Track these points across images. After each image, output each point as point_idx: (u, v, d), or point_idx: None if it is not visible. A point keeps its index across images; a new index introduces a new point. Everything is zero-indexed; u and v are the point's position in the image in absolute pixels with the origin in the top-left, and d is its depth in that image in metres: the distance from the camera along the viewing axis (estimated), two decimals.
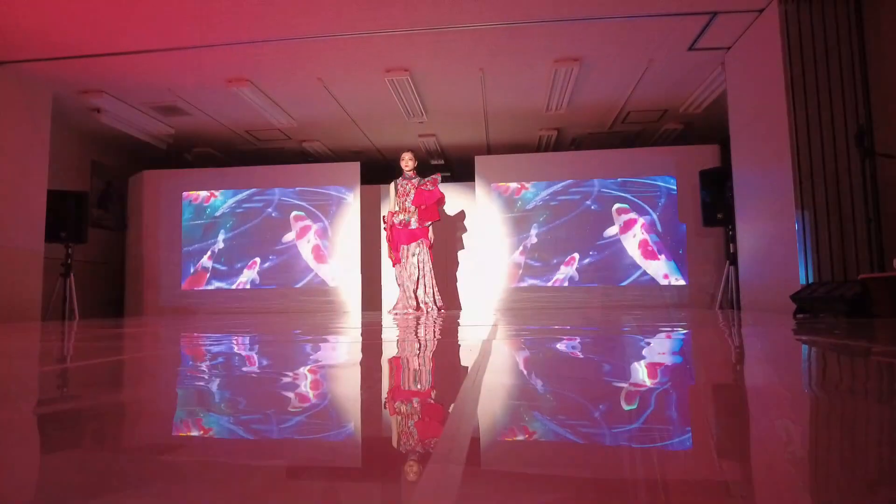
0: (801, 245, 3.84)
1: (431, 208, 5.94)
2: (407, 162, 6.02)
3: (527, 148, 7.81)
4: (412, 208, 5.92)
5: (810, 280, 3.77)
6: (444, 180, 8.89)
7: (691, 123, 6.93)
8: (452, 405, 0.78)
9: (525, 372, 1.19)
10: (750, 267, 4.69)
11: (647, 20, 4.46)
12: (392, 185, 6.11)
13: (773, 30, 4.10)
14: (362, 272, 7.02)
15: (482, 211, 6.87)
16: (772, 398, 0.81)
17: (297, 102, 6.18)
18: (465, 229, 7.52)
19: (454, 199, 7.48)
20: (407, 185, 6.00)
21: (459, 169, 8.75)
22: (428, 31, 4.63)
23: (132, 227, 7.22)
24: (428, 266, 5.91)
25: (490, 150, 7.95)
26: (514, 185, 6.86)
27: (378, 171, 8.24)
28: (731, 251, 5.44)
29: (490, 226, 6.83)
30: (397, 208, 5.98)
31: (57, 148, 6.17)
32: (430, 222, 5.93)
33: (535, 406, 0.82)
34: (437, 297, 5.92)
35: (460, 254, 7.49)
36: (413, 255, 5.90)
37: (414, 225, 5.91)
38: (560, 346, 1.71)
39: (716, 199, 5.69)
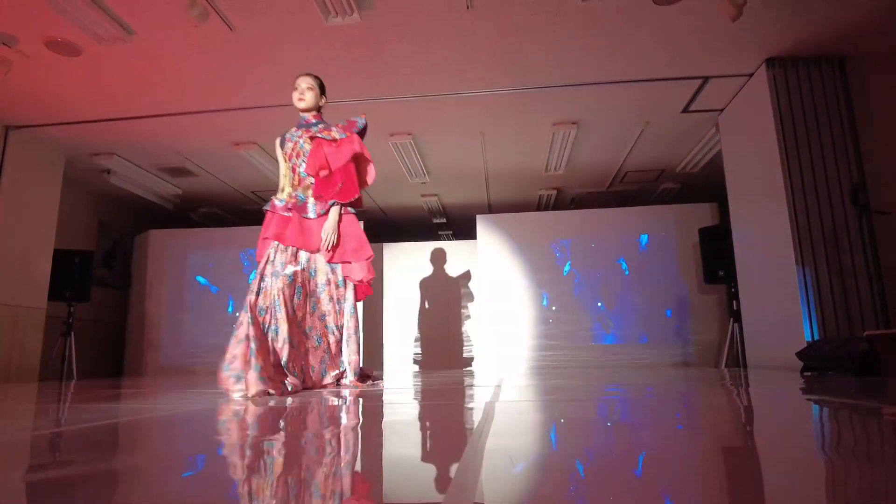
0: (804, 301, 3.82)
1: (347, 176, 3.02)
2: (303, 93, 3.11)
3: (527, 206, 7.91)
4: (309, 180, 3.06)
5: (815, 336, 3.73)
6: (446, 238, 8.99)
7: (689, 182, 7.05)
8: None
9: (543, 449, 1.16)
10: (754, 324, 4.65)
11: (641, 85, 4.61)
12: (277, 142, 3.22)
13: (763, 93, 4.24)
14: (363, 328, 6.96)
15: (485, 269, 6.88)
16: (785, 463, 0.79)
17: None
18: (467, 289, 7.51)
19: (457, 256, 7.51)
20: (300, 138, 3.08)
21: (461, 227, 8.84)
22: (429, 98, 4.79)
23: (135, 286, 7.23)
24: (350, 306, 3.00)
25: (491, 208, 8.05)
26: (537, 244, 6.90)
27: (380, 230, 8.33)
28: (735, 308, 5.40)
29: (495, 284, 6.82)
30: (286, 187, 3.10)
31: (66, 208, 6.27)
32: (353, 208, 3.10)
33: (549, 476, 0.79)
34: (357, 361, 3.02)
35: (463, 313, 7.45)
36: (317, 274, 2.99)
37: (313, 212, 3.01)
38: (580, 412, 1.68)
39: (716, 257, 5.71)
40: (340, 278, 3.01)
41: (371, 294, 3.24)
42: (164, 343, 6.85)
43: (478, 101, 4.87)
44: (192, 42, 3.90)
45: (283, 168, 3.13)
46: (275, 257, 2.84)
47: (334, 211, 2.98)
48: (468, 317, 7.40)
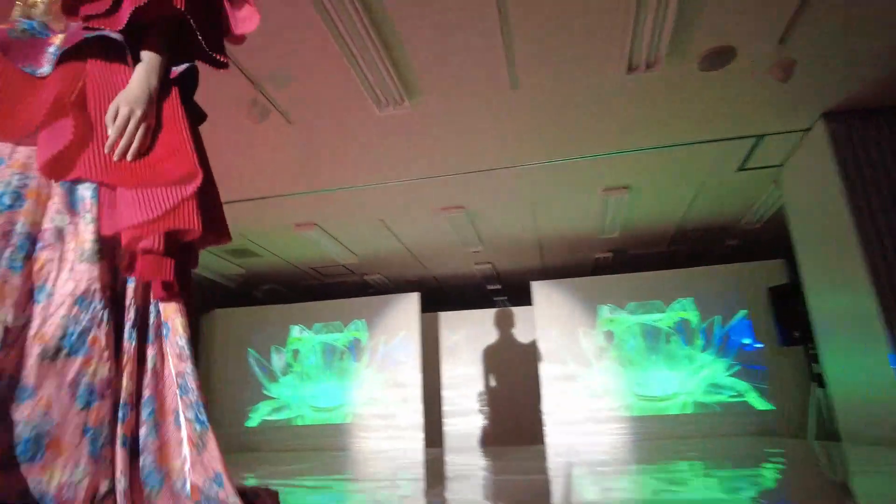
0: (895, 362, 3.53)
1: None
2: None
3: (583, 269, 7.80)
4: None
5: None
6: (501, 304, 8.92)
7: (752, 237, 6.80)
8: None
9: None
10: (842, 390, 4.31)
11: (692, 147, 4.57)
12: None
13: (823, 146, 4.10)
14: (424, 403, 6.88)
15: (545, 335, 6.74)
16: None
17: (359, 241, 6.50)
18: (531, 356, 7.36)
19: (513, 322, 7.43)
20: None
21: (516, 292, 8.78)
22: (480, 173, 4.90)
23: (203, 364, 7.46)
24: (181, 324, 1.14)
25: (545, 272, 7.98)
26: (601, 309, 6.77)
27: (435, 298, 8.38)
28: (816, 371, 5.05)
29: (557, 352, 6.66)
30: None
31: None
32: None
33: None
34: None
35: (529, 382, 7.27)
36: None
37: (50, 61, 1.09)
38: None
39: (789, 316, 5.41)
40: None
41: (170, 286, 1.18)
42: (226, 421, 6.97)
43: (527, 173, 4.94)
44: (254, 135, 4.17)
45: None
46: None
47: (145, 69, 1.11)
48: (536, 386, 7.22)
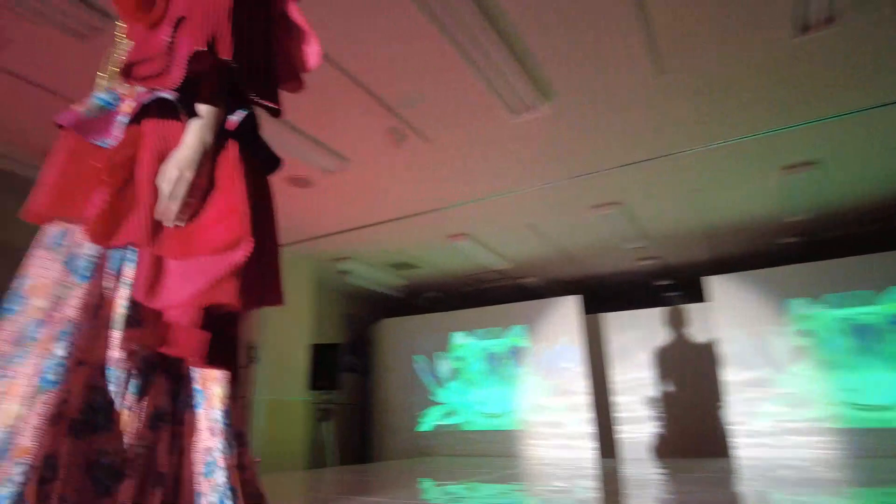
0: None
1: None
2: None
3: (764, 260, 6.88)
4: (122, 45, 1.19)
5: None
6: (672, 301, 8.24)
7: None
8: None
9: None
10: None
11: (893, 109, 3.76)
12: None
13: None
14: (594, 411, 6.59)
15: (724, 335, 6.07)
16: None
17: (510, 246, 6.44)
18: (714, 358, 6.69)
19: (688, 320, 6.80)
20: None
21: (687, 287, 8.05)
22: (631, 167, 4.54)
23: (375, 372, 7.96)
24: (219, 394, 1.05)
25: (719, 266, 7.19)
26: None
27: (597, 299, 7.99)
28: None
29: (743, 353, 5.95)
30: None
31: (320, 305, 7.35)
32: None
33: None
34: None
35: (711, 387, 6.62)
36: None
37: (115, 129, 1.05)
38: None
39: None
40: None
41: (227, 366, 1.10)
42: (400, 426, 7.34)
43: (686, 160, 4.46)
44: (397, 157, 4.30)
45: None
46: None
47: (197, 125, 1.03)
48: (717, 391, 6.55)
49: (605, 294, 8.47)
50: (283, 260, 1.22)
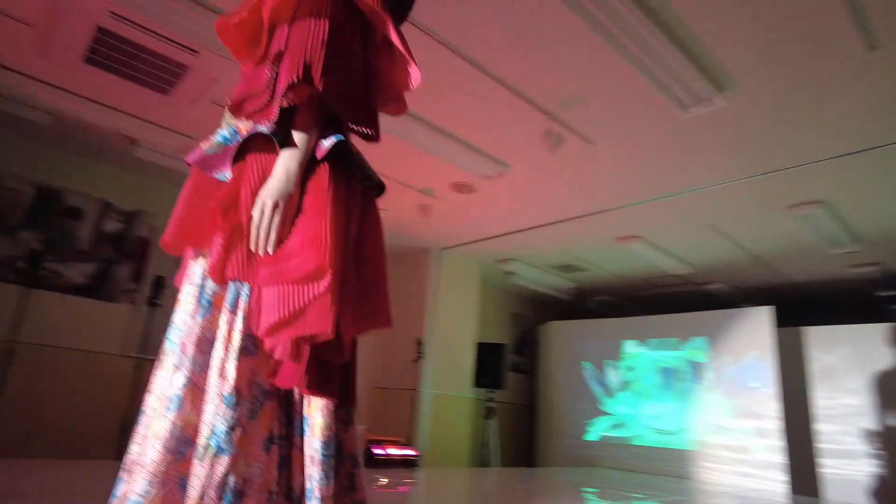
0: None
1: (293, 42, 1.11)
2: None
3: None
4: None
5: None
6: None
7: None
8: None
9: None
10: None
11: None
12: None
13: None
14: (786, 438, 5.77)
15: None
16: None
17: (690, 249, 5.90)
18: None
19: None
20: None
21: None
22: (839, 159, 3.85)
23: (541, 374, 7.87)
24: (321, 424, 1.08)
25: None
26: None
27: (795, 310, 6.95)
28: None
29: None
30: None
31: (486, 304, 7.51)
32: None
33: None
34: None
35: None
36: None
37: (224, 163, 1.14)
38: None
39: None
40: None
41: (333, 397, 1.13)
42: (565, 432, 7.16)
43: None
44: (557, 160, 4.17)
45: None
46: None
47: (286, 155, 1.09)
48: None
49: (803, 305, 7.34)
50: (389, 281, 1.22)
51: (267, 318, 1.00)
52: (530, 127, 3.72)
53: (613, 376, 7.02)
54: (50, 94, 3.66)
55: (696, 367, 6.40)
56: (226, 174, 1.12)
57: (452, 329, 6.50)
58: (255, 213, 1.03)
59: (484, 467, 6.37)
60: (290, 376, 1.01)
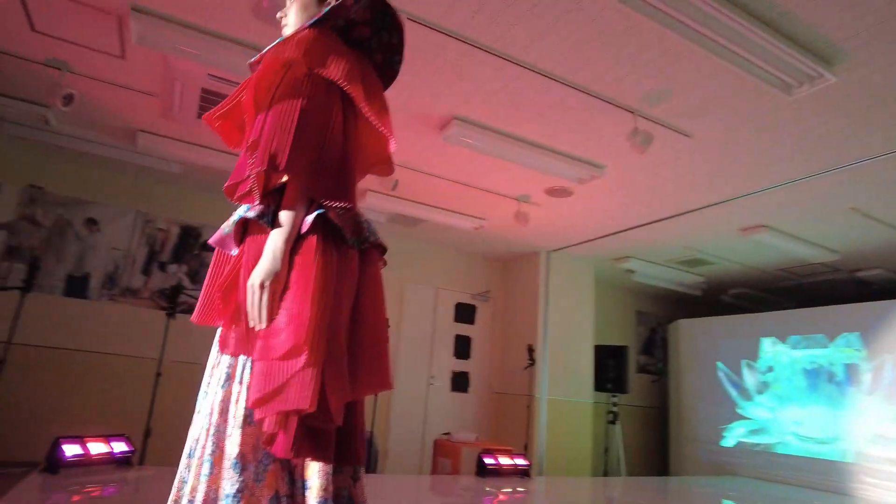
0: None
1: (266, 131, 1.17)
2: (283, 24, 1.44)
3: None
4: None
5: None
6: None
7: None
8: None
9: None
10: None
11: None
12: None
13: None
14: None
15: None
16: None
17: (830, 235, 5.23)
18: None
19: None
20: None
21: None
22: None
23: (672, 375, 7.41)
24: (319, 485, 1.16)
25: None
26: None
27: None
28: None
29: None
30: None
31: (606, 303, 7.27)
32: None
33: None
34: None
35: None
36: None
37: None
38: None
39: None
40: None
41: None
42: (700, 437, 6.67)
43: None
44: (654, 156, 3.93)
45: None
46: None
47: (273, 235, 1.16)
48: None
49: None
50: (389, 342, 1.27)
51: (254, 392, 1.08)
52: (619, 128, 3.55)
53: (750, 377, 6.41)
54: (178, 147, 4.20)
55: (848, 368, 5.63)
56: (234, 250, 1.24)
57: (568, 332, 6.36)
58: (248, 294, 1.12)
59: (608, 476, 6.16)
60: (281, 445, 1.08)
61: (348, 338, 1.18)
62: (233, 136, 1.35)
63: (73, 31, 3.04)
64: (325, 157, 1.16)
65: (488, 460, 4.47)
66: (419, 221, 5.70)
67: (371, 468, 5.07)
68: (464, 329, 6.65)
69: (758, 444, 6.16)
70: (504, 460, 4.54)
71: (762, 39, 2.63)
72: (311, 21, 1.28)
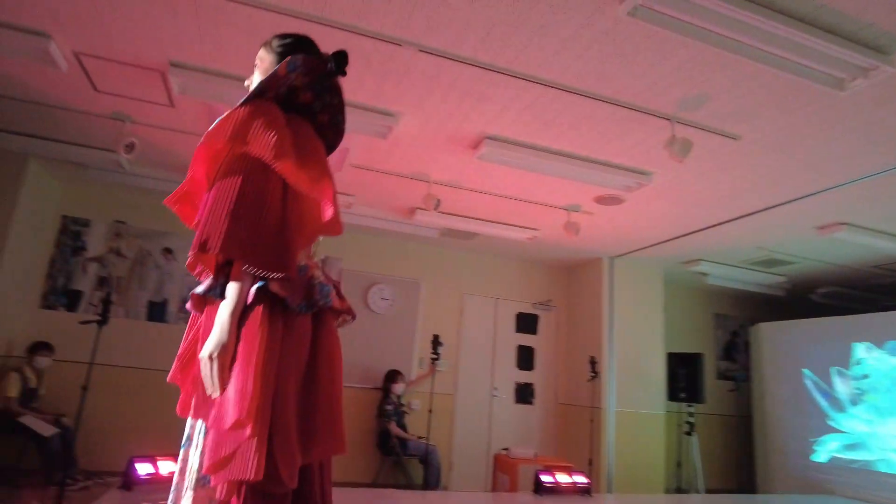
0: None
1: (207, 207, 1.25)
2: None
3: None
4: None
5: None
6: None
7: None
8: None
9: None
10: None
11: None
12: None
13: None
14: None
15: None
16: None
17: None
18: None
19: None
20: None
21: None
22: None
23: (755, 382, 6.92)
24: None
25: None
26: None
27: None
28: None
29: None
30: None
31: (680, 306, 6.97)
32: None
33: None
34: None
35: None
36: None
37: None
38: None
39: None
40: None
41: None
42: (789, 451, 6.18)
43: None
44: (702, 160, 3.71)
45: None
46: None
47: (221, 307, 1.23)
48: None
49: None
50: (342, 403, 1.29)
51: (207, 459, 1.14)
52: (659, 136, 3.40)
53: (842, 386, 5.86)
54: None
55: None
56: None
57: (637, 339, 6.12)
58: (201, 366, 1.18)
59: (683, 493, 5.86)
60: None
61: (301, 401, 1.22)
62: (190, 217, 1.42)
63: (128, 88, 3.33)
64: (262, 230, 1.19)
65: (546, 478, 4.39)
66: (473, 235, 5.70)
67: (434, 483, 5.12)
68: (526, 339, 6.57)
69: (855, 461, 5.61)
70: (562, 478, 4.44)
71: (800, 37, 2.43)
72: (246, 97, 1.34)
